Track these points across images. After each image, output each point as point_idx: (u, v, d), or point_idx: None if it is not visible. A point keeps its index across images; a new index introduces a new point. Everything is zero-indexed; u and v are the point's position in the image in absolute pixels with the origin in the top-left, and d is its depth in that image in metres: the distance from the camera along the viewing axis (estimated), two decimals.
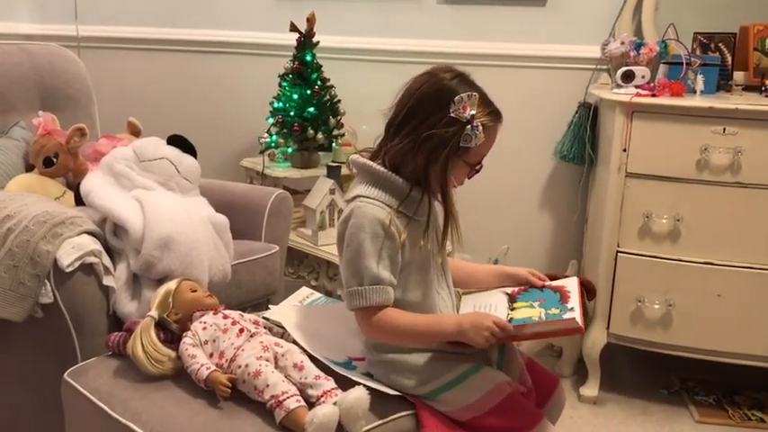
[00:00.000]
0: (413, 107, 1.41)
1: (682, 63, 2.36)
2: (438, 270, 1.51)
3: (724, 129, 2.16)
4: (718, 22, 2.53)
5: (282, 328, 1.59)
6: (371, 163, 1.45)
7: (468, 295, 1.61)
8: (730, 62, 2.46)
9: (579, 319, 1.38)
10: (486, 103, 1.41)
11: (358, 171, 1.48)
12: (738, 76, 2.47)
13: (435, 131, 1.37)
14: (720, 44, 2.47)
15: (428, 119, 1.38)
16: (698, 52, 2.45)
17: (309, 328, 1.58)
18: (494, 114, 1.42)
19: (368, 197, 1.41)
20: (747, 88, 2.45)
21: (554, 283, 1.58)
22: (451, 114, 1.37)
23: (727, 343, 2.27)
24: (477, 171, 1.47)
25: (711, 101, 2.22)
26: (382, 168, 1.43)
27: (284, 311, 1.67)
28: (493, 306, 1.50)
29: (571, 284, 1.54)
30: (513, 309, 1.47)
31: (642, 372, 2.66)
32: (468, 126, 1.37)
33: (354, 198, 1.42)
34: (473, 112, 1.37)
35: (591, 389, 2.44)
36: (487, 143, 1.43)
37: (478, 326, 1.37)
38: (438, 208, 1.48)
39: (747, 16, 2.48)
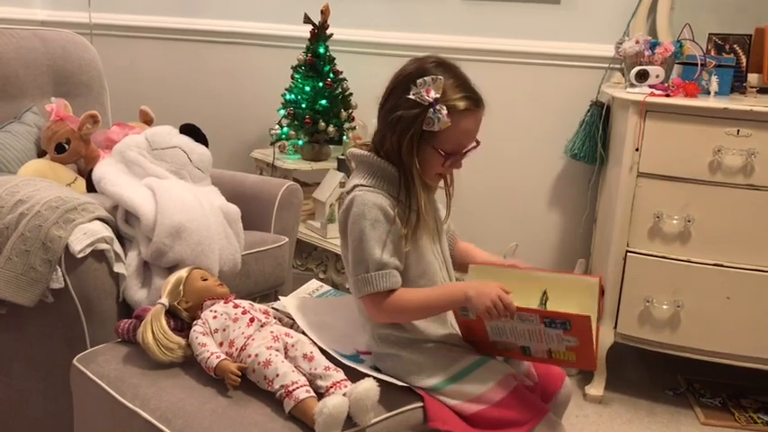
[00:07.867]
0: (390, 90, 1.43)
1: (696, 64, 2.35)
2: (439, 259, 1.51)
3: (738, 130, 2.16)
4: (734, 23, 2.52)
5: (292, 318, 1.59)
6: (366, 152, 1.46)
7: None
8: (745, 64, 2.44)
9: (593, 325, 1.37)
10: (461, 88, 1.39)
11: (355, 163, 1.49)
12: (753, 77, 2.45)
13: (401, 113, 1.38)
14: (735, 45, 2.46)
15: (398, 100, 1.39)
16: (713, 53, 2.44)
17: (318, 320, 1.59)
18: (468, 100, 1.39)
19: (366, 186, 1.42)
20: (762, 90, 2.44)
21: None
22: (411, 96, 1.36)
23: (734, 345, 2.26)
24: (453, 161, 1.43)
25: (726, 102, 2.21)
26: (376, 157, 1.44)
27: (293, 303, 1.67)
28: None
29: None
30: None
31: (648, 372, 2.65)
32: (431, 109, 1.36)
33: (353, 188, 1.43)
34: (436, 95, 1.36)
35: (596, 388, 2.44)
36: (460, 130, 1.39)
37: (484, 294, 1.35)
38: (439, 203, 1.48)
39: (763, 18, 2.47)
